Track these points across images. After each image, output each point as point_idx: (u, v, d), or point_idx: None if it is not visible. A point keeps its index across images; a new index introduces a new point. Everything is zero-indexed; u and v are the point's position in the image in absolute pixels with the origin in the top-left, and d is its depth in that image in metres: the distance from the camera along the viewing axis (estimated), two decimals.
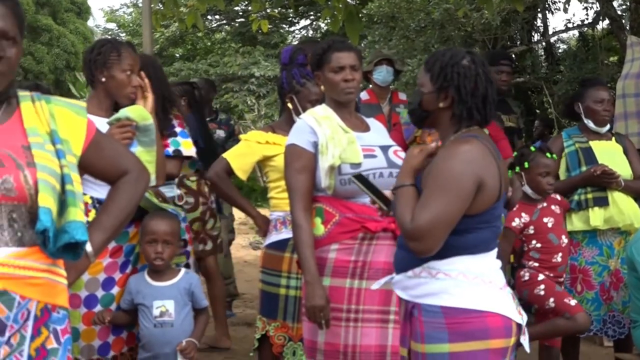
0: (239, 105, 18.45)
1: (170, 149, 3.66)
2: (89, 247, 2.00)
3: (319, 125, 3.04)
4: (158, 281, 3.26)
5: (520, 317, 2.43)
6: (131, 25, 23.78)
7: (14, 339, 1.85)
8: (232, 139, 6.18)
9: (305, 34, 19.22)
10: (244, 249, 10.62)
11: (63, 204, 1.89)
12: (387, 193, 2.67)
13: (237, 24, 18.79)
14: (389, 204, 2.62)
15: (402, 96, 5.60)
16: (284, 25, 19.41)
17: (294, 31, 20.10)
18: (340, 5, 6.68)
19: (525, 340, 2.48)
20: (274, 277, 3.74)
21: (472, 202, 2.30)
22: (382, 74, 5.50)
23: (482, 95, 2.43)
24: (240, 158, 3.79)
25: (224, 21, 19.22)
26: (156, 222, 3.22)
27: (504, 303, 2.40)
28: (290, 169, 3.06)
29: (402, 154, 3.10)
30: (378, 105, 5.46)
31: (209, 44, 21.16)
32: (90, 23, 27.81)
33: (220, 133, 6.20)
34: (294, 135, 3.10)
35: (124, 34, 24.85)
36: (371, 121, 3.32)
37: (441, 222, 2.25)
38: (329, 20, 7.58)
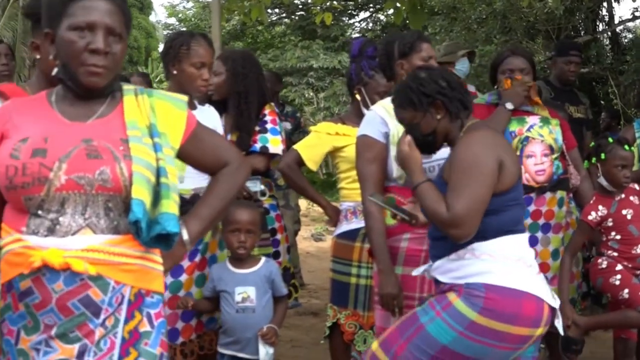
0: (296, 99, 18.50)
1: (257, 145, 3.73)
2: (185, 235, 2.06)
3: (390, 116, 3.03)
4: (240, 269, 3.33)
5: (555, 301, 2.56)
6: (192, 19, 24.01)
7: (108, 321, 1.91)
8: (298, 130, 6.24)
9: (365, 27, 19.14)
10: (306, 240, 10.68)
11: (157, 196, 1.94)
12: (406, 206, 2.85)
13: (297, 17, 18.82)
14: (411, 215, 2.73)
15: (471, 88, 5.52)
16: (344, 18, 19.35)
17: (353, 24, 20.03)
18: None
19: (559, 323, 2.62)
20: (344, 266, 3.77)
21: (498, 182, 2.46)
22: (465, 65, 5.45)
23: (457, 84, 2.69)
24: (310, 149, 3.84)
25: (284, 14, 19.28)
26: (240, 211, 3.26)
27: (541, 287, 2.55)
28: (361, 159, 3.10)
29: None
30: None
31: (269, 37, 21.24)
32: (152, 18, 28.24)
33: (287, 125, 6.22)
34: (365, 126, 3.13)
35: (184, 29, 25.06)
36: None
37: (476, 204, 2.40)
38: (391, 12, 7.58)
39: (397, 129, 3.01)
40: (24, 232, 1.91)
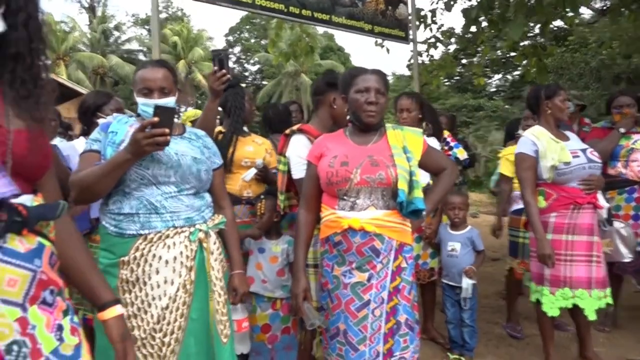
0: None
1: (451, 156, 3.75)
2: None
3: (538, 139, 2.92)
4: (454, 231, 3.31)
5: None
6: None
7: (384, 260, 1.95)
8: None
9: (499, 82, 18.66)
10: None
11: (411, 187, 1.96)
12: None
13: (454, 80, 18.82)
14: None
15: (586, 120, 4.87)
16: (485, 78, 18.67)
17: (492, 83, 19.86)
18: None
19: None
20: (516, 231, 3.67)
21: None
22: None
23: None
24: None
25: (445, 80, 18.85)
26: (453, 196, 3.30)
27: None
28: (520, 168, 2.96)
29: (596, 153, 2.94)
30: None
31: (432, 90, 20.81)
32: None
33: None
34: (521, 146, 2.98)
35: None
36: (568, 133, 3.11)
37: None
38: (516, 73, 7.02)
39: (544, 147, 2.86)
40: (336, 208, 1.98)
